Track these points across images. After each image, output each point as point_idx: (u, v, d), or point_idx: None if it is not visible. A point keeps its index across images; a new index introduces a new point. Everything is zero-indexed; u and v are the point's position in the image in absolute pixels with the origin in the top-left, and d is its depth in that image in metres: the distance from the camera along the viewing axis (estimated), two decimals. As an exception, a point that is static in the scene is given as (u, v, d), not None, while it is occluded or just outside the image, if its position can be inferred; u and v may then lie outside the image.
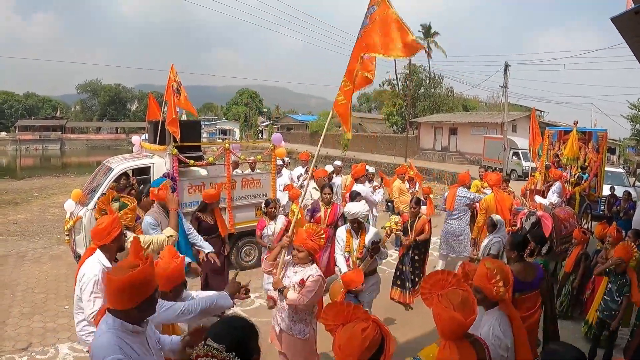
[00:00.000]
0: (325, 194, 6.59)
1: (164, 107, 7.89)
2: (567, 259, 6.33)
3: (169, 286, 2.96)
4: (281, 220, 6.25)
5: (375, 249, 4.70)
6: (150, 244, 3.95)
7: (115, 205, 4.13)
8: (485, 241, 6.37)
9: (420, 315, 5.95)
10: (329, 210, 6.51)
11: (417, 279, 6.30)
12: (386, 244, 5.22)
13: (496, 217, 6.55)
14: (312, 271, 3.75)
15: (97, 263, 3.21)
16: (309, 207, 6.78)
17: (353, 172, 8.84)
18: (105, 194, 4.33)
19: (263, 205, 6.42)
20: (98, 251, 3.29)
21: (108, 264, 3.20)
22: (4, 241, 9.97)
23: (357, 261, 4.91)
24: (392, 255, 9.09)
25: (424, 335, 5.50)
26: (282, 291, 3.79)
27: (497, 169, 22.17)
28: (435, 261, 8.24)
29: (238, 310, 6.19)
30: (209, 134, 59.91)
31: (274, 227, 6.16)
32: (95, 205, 4.68)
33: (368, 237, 4.96)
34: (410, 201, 6.60)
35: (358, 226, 5.07)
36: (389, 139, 40.34)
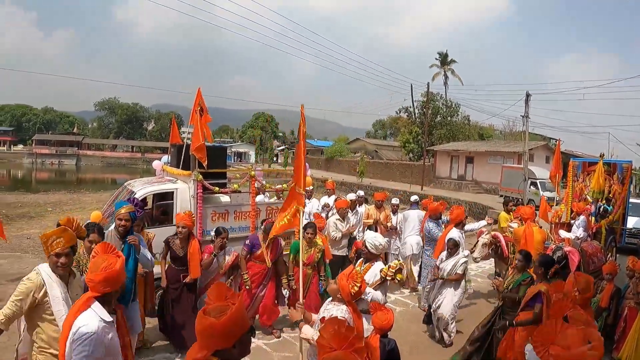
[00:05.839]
0: (264, 232, 6.00)
1: (188, 130, 7.73)
2: (602, 294, 6.08)
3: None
4: (230, 253, 6.02)
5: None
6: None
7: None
8: (450, 261, 6.28)
9: None
10: (269, 249, 6.04)
11: None
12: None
13: (456, 238, 6.46)
14: (337, 312, 3.52)
15: (95, 319, 2.63)
16: (248, 241, 6.16)
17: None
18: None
19: (213, 234, 6.03)
20: (96, 303, 2.67)
21: (109, 318, 2.71)
22: (18, 258, 9.78)
23: None
24: (404, 292, 8.74)
25: None
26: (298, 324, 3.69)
27: (517, 199, 21.74)
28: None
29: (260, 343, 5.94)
30: (225, 157, 60.25)
31: (222, 259, 5.93)
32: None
33: (368, 274, 4.72)
34: (304, 228, 5.99)
35: (368, 257, 4.89)
36: (405, 166, 40.07)
